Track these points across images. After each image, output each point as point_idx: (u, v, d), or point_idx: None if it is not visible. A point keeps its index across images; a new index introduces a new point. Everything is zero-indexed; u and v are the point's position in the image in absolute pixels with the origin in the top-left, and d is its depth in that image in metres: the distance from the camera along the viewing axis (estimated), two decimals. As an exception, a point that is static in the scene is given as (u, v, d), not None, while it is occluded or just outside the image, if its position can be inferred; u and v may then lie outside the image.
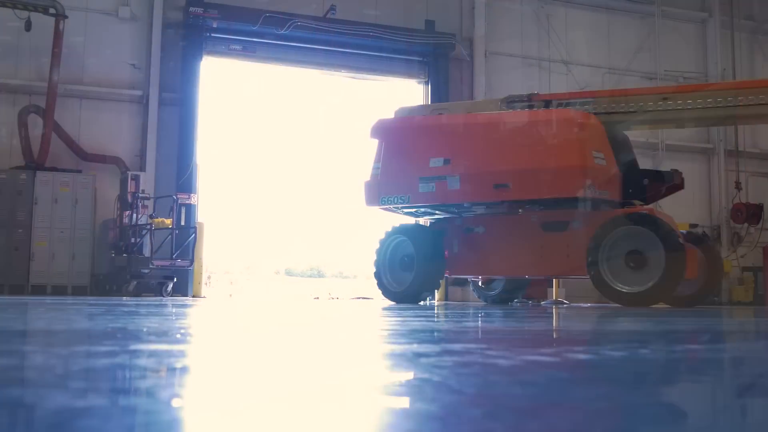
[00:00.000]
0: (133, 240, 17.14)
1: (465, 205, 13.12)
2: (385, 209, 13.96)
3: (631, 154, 12.95)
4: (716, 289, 13.26)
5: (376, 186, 13.71)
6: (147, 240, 17.44)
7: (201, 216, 18.91)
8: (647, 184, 12.40)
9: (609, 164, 11.89)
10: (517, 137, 12.24)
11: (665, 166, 23.77)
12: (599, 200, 11.92)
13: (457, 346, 3.74)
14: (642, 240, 11.27)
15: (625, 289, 11.55)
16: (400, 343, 3.83)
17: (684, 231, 13.12)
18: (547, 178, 11.74)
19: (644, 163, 23.73)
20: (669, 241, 11.00)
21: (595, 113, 12.48)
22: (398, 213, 14.28)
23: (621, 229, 11.47)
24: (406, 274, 13.71)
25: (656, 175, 12.87)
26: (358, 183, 14.26)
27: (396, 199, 13.39)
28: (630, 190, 12.16)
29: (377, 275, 14.25)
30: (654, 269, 11.22)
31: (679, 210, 23.80)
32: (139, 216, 17.32)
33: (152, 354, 2.98)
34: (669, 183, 12.76)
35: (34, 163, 17.71)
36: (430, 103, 21.34)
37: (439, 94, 21.47)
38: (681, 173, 13.05)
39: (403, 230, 13.95)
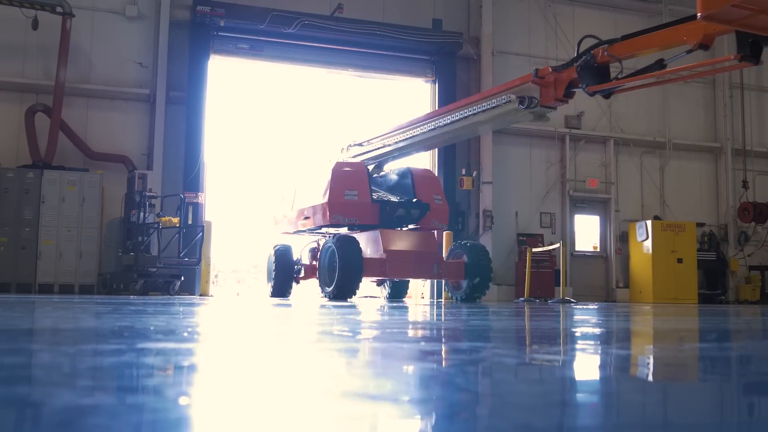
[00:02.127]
0: (140, 239, 17.15)
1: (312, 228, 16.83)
2: (283, 233, 18.28)
3: (406, 190, 16.33)
4: (485, 289, 16.01)
5: (275, 220, 18.56)
6: (154, 239, 17.45)
7: (208, 215, 18.93)
8: (408, 212, 15.77)
9: (361, 198, 15.51)
10: (315, 183, 16.33)
11: (672, 165, 23.93)
12: (352, 225, 15.67)
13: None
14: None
15: (327, 289, 15.02)
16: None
17: (466, 242, 16.47)
18: (318, 211, 15.77)
19: (652, 162, 23.83)
20: (341, 256, 14.51)
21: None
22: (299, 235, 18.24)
23: (327, 245, 15.30)
24: (273, 279, 17.69)
25: (417, 205, 15.91)
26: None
27: (280, 227, 18.19)
28: (386, 217, 15.58)
29: (267, 277, 18.21)
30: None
31: (686, 209, 23.89)
32: (147, 215, 17.32)
33: (159, 352, 2.98)
34: (425, 210, 15.85)
35: (42, 162, 17.75)
36: (437, 101, 21.44)
37: (446, 92, 21.49)
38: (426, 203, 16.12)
39: (275, 249, 17.72)
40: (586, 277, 22.72)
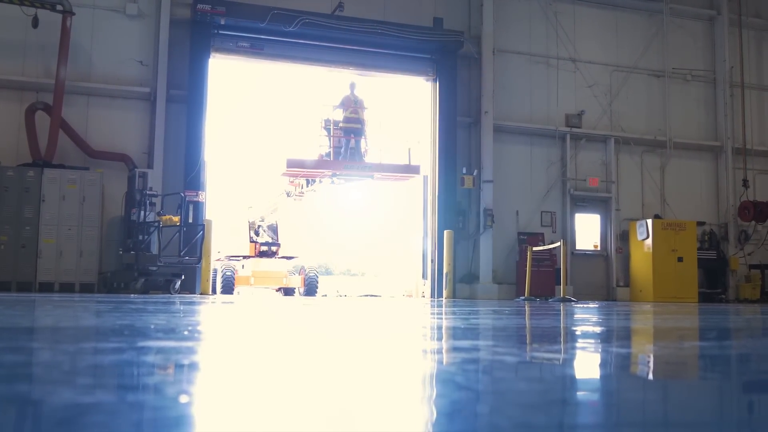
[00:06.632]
0: (140, 237, 17.13)
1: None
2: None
3: (273, 233, 25.42)
4: (314, 293, 23.32)
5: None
6: (155, 237, 17.43)
7: (209, 213, 18.92)
8: (270, 248, 24.90)
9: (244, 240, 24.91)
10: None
11: (673, 164, 23.92)
12: (240, 257, 24.81)
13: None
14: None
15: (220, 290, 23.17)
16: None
17: (306, 268, 25.03)
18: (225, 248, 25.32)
19: (653, 161, 23.82)
20: (222, 275, 22.58)
21: None
22: None
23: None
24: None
25: (273, 243, 25.09)
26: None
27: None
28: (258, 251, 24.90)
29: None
30: None
31: (687, 208, 23.88)
32: (147, 213, 17.31)
33: (160, 350, 2.98)
34: (278, 246, 25.06)
35: (42, 160, 17.72)
36: (438, 100, 21.44)
37: (446, 91, 21.48)
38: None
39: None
40: (587, 275, 22.71)
